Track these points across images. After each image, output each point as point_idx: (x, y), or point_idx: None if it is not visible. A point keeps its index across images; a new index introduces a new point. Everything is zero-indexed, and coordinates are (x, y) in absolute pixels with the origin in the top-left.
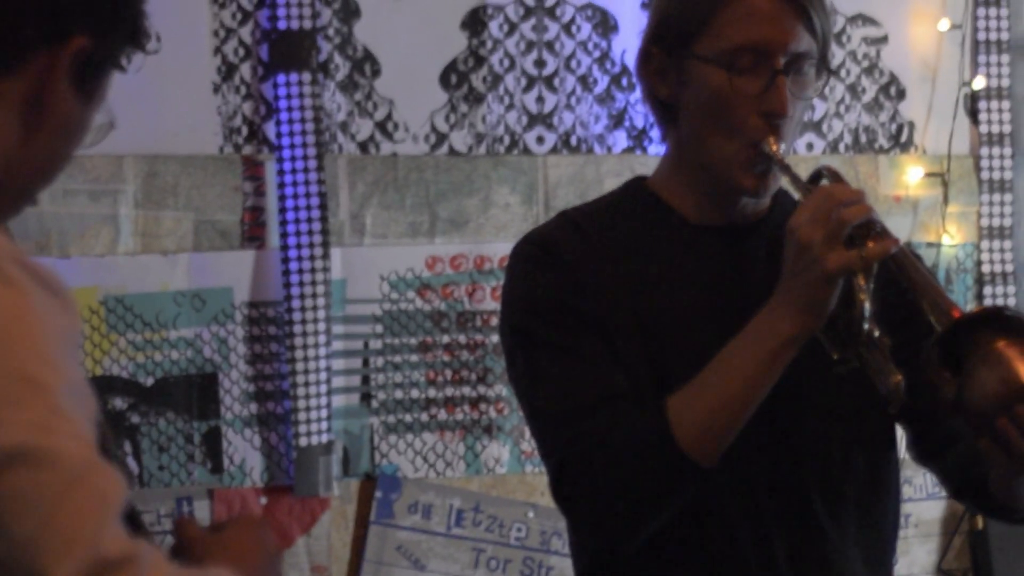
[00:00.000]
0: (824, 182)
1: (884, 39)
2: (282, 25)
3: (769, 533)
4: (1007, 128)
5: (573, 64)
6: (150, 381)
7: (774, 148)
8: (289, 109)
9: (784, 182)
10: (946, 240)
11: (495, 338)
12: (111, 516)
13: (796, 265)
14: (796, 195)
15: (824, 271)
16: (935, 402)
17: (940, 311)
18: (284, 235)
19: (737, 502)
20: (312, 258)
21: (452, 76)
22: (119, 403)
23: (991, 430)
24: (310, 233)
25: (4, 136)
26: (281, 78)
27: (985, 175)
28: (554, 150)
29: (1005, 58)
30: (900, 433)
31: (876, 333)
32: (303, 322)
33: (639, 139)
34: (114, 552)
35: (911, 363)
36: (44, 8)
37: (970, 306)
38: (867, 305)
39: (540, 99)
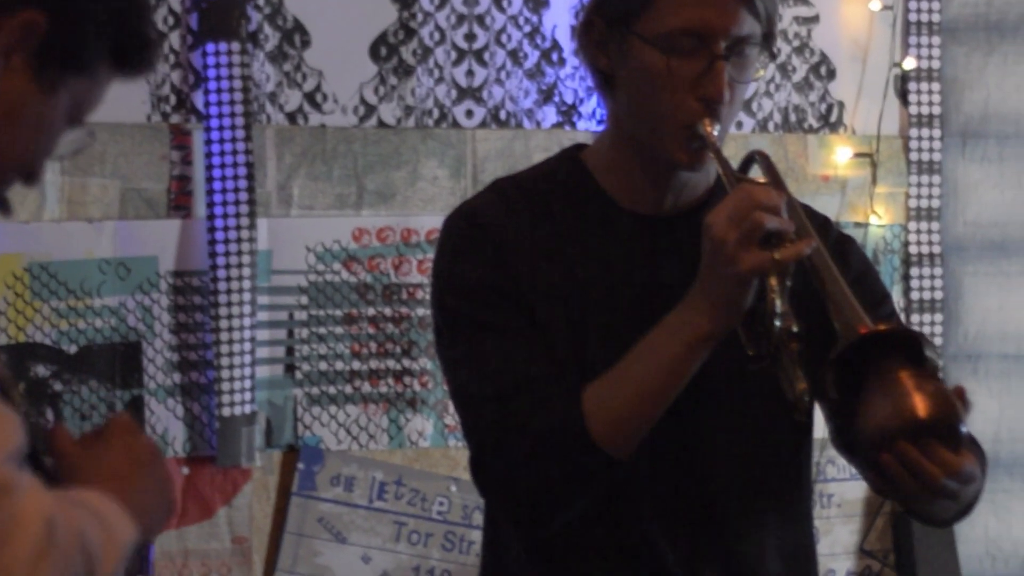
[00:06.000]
0: (755, 169)
1: (815, 18)
2: None
3: (679, 529)
4: (936, 110)
5: (503, 38)
6: (73, 349)
7: (708, 130)
8: (218, 79)
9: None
10: (874, 221)
11: (420, 311)
12: None
13: (711, 263)
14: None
15: (736, 272)
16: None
17: (846, 323)
18: (211, 205)
19: (647, 498)
20: (238, 228)
21: (382, 48)
22: (42, 370)
23: (876, 462)
24: (237, 203)
25: None
26: (210, 47)
27: (914, 156)
28: (483, 124)
29: (936, 39)
30: (817, 418)
31: (793, 331)
32: (228, 292)
33: (568, 114)
34: None
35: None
36: None
37: (896, 288)
38: (778, 307)
39: (470, 73)
